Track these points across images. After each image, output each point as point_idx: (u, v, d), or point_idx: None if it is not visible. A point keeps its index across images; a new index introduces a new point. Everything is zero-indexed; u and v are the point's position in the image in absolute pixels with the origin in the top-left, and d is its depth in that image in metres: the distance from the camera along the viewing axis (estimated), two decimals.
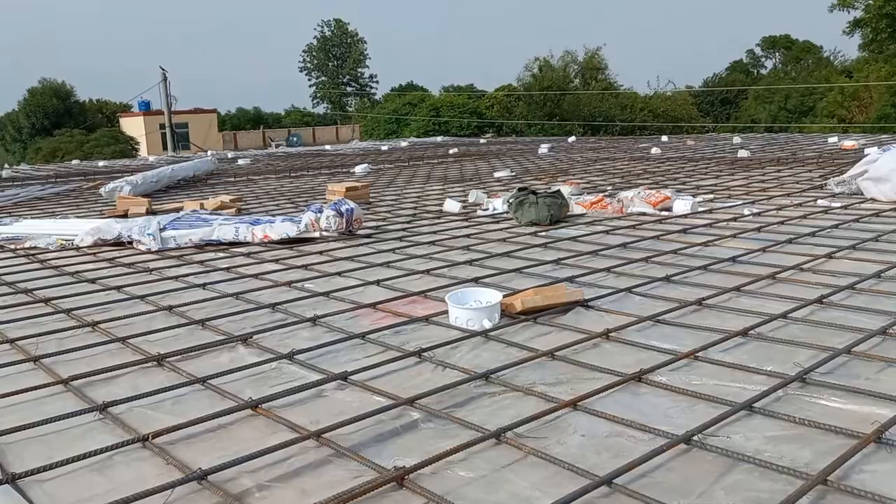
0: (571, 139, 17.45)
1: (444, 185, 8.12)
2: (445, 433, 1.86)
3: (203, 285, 3.56)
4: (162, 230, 4.65)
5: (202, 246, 4.61)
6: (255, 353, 2.54)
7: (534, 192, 5.14)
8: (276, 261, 4.13)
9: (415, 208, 6.20)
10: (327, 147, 20.97)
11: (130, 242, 4.69)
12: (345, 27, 66.21)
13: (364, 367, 2.31)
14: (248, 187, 8.71)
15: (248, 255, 4.33)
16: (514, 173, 8.89)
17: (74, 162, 19.80)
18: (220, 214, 5.41)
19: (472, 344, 2.56)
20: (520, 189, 5.36)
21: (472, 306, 2.77)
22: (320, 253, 4.30)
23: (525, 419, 1.87)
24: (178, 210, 5.92)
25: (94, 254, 4.56)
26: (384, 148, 17.22)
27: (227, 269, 3.95)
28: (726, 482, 1.58)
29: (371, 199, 6.70)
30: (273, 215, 5.44)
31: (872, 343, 2.37)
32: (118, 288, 3.57)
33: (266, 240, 4.64)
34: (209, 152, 18.18)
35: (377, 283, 3.47)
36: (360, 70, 66.27)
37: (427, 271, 3.69)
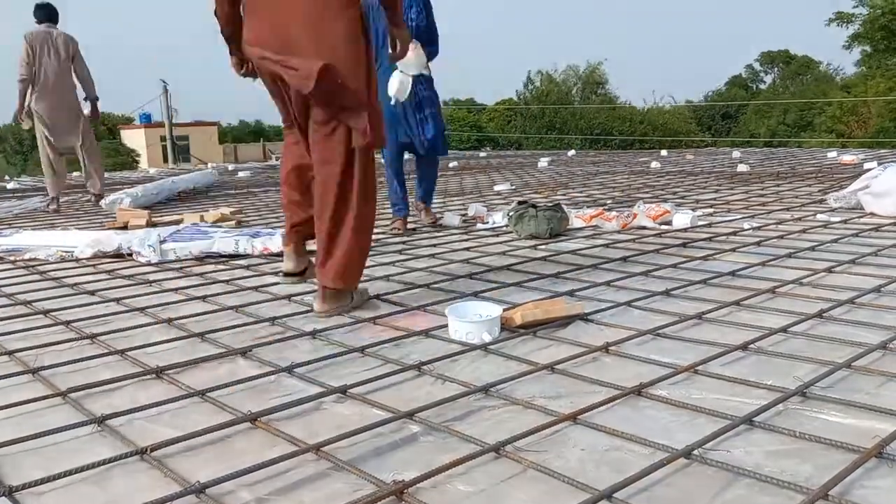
0: (571, 153, 17.48)
1: (444, 198, 8.12)
2: (445, 447, 1.86)
3: (203, 298, 3.56)
4: (162, 242, 4.65)
5: (202, 258, 4.62)
6: (254, 365, 2.54)
7: (534, 206, 5.16)
8: (276, 273, 4.13)
9: (415, 221, 6.20)
10: None
11: (130, 254, 4.70)
12: None
13: (363, 380, 2.31)
14: (248, 200, 8.72)
15: (247, 267, 4.34)
16: (513, 187, 8.91)
17: (75, 174, 19.85)
18: (220, 227, 5.42)
19: (472, 357, 2.56)
20: (519, 202, 5.37)
21: (471, 320, 2.77)
22: None
23: (525, 433, 1.87)
24: (178, 222, 5.93)
25: (94, 265, 4.56)
26: None
27: (227, 281, 3.95)
28: (726, 497, 1.57)
29: None
30: (273, 228, 5.44)
31: (873, 357, 2.37)
32: (117, 300, 3.57)
33: (266, 252, 4.65)
34: (210, 165, 18.21)
35: (377, 296, 3.46)
36: None
37: (427, 285, 3.69)
